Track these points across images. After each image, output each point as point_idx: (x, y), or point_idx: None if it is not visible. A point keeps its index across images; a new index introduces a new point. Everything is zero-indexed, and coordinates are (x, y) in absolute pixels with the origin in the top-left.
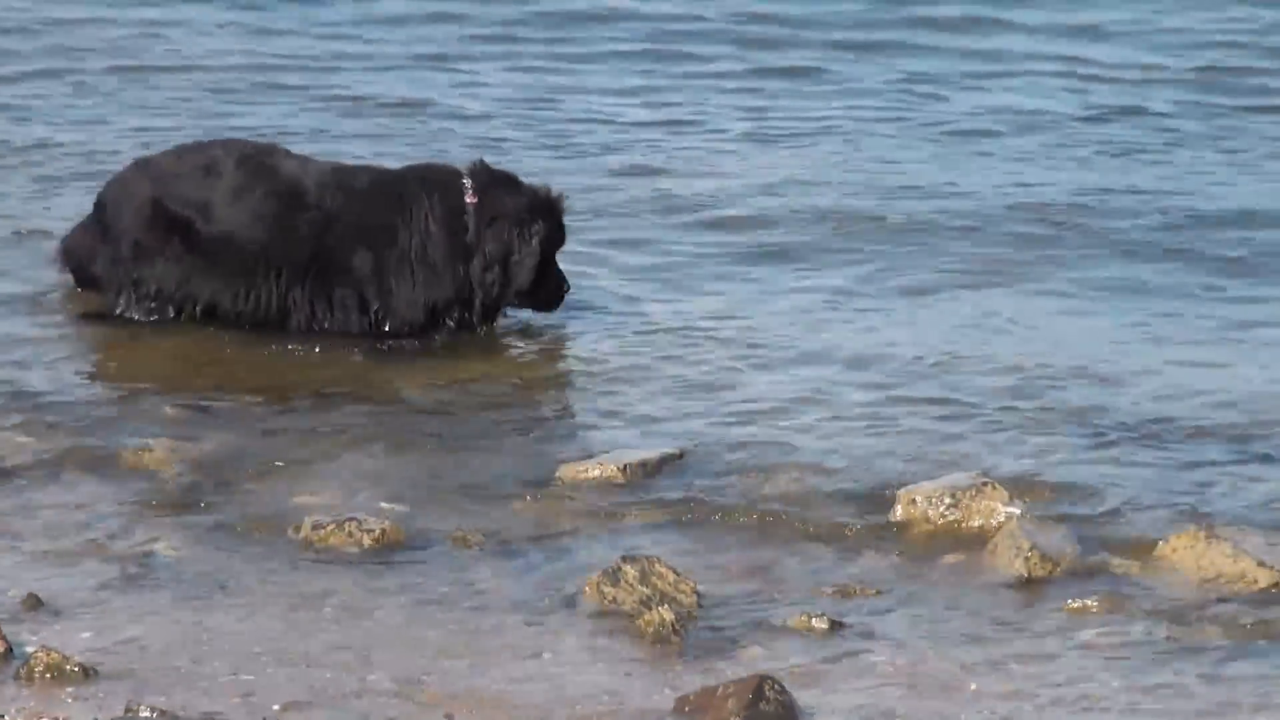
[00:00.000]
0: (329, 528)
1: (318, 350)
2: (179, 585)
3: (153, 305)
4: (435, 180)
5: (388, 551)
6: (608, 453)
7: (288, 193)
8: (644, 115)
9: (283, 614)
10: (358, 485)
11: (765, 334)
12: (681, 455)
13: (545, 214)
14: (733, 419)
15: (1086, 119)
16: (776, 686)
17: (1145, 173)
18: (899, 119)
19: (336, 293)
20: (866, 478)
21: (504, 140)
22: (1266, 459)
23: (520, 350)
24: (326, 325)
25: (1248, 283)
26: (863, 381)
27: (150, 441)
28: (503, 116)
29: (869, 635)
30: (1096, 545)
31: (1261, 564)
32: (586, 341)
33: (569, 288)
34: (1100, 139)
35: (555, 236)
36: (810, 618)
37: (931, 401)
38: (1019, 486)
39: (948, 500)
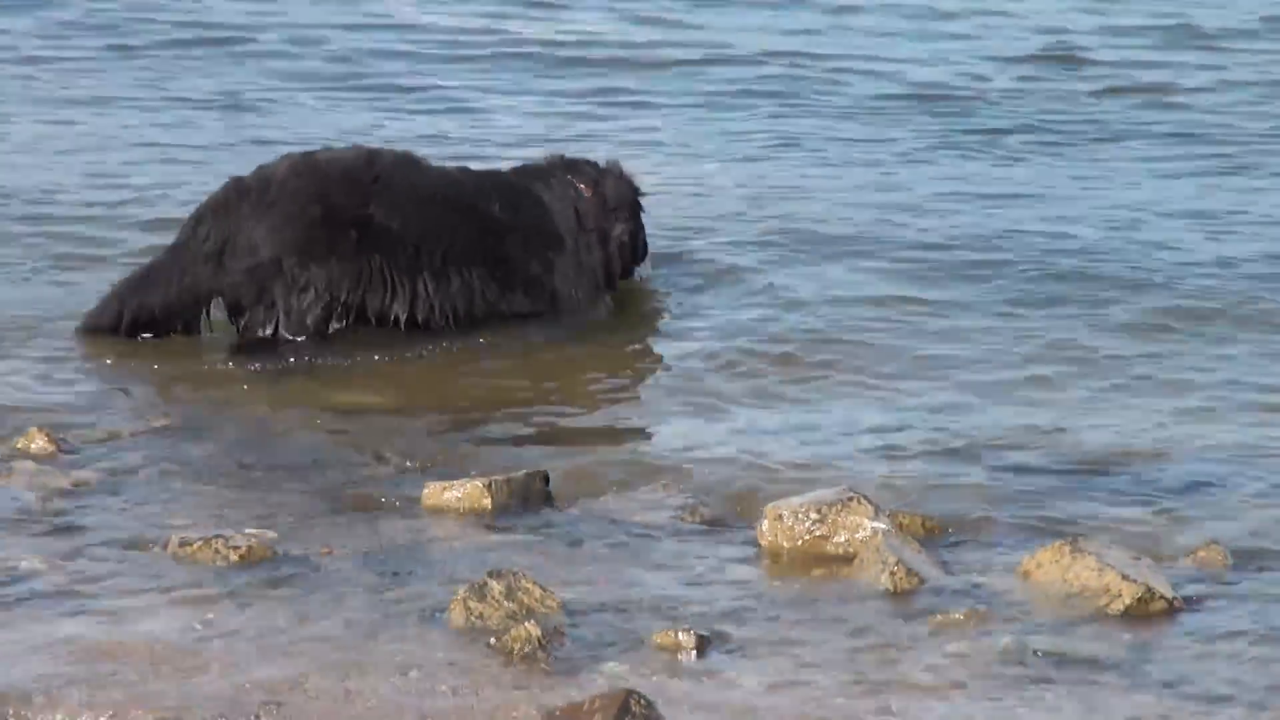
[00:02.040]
0: (196, 545)
1: (190, 376)
2: (46, 602)
3: (321, 313)
4: (559, 179)
5: (254, 568)
6: (474, 471)
7: (459, 197)
8: None
9: (151, 630)
10: (225, 505)
11: (629, 352)
12: (547, 473)
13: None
14: (599, 437)
15: None
16: (643, 702)
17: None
18: None
19: (512, 293)
20: (733, 493)
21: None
22: (1130, 481)
23: (385, 374)
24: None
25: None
26: (731, 396)
27: (14, 464)
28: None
29: (736, 650)
30: (963, 560)
31: (1126, 578)
32: (451, 366)
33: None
34: None
35: None
36: (677, 633)
37: (799, 418)
38: (885, 503)
39: (814, 515)
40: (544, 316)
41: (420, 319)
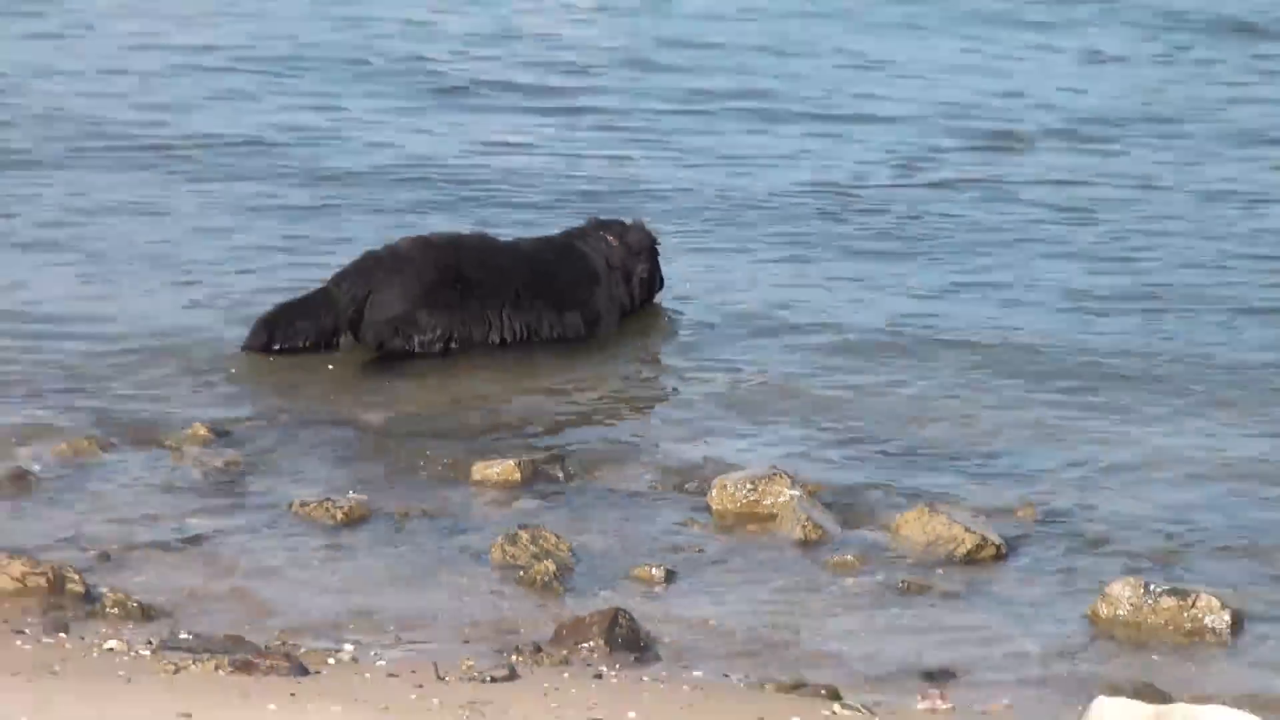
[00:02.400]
0: (311, 505)
1: (308, 385)
2: (206, 545)
3: (441, 346)
4: (593, 235)
5: (354, 523)
6: (509, 453)
7: (520, 257)
8: None
9: (281, 567)
10: (332, 478)
11: (622, 374)
12: (562, 454)
13: (657, 241)
14: (600, 433)
15: None
16: (627, 616)
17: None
18: None
19: (566, 316)
20: (692, 469)
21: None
22: (971, 463)
23: (449, 387)
24: (552, 335)
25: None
26: (699, 410)
27: (184, 449)
28: None
29: (693, 580)
30: (854, 518)
31: (967, 529)
32: (493, 381)
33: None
34: None
35: None
36: (651, 569)
37: (745, 426)
38: (800, 477)
39: (749, 485)
40: (588, 333)
41: (505, 340)
